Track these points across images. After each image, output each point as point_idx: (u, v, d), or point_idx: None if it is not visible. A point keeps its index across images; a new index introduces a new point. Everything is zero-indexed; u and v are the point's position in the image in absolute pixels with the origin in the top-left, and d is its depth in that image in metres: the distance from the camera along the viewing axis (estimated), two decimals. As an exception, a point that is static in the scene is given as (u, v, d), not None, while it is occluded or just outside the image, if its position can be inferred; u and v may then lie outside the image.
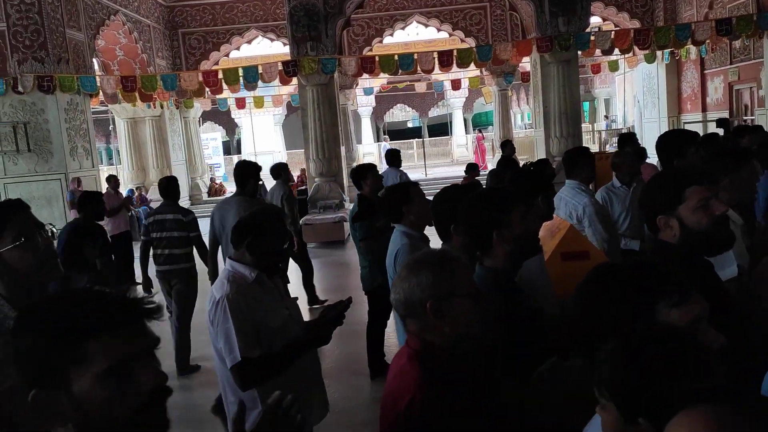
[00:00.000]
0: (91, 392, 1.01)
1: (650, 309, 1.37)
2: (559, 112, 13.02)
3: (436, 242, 3.07)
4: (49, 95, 11.82)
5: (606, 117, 27.63)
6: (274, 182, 7.94)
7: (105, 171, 18.11)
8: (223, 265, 2.72)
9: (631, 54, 15.77)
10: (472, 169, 9.78)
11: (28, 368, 1.03)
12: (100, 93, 13.43)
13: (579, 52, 13.33)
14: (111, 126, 24.74)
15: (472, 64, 13.40)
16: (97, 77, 13.03)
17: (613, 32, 13.43)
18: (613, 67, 18.89)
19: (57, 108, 12.05)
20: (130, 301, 1.06)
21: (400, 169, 9.24)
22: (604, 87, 29.51)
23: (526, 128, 32.38)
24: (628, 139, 6.98)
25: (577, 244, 3.55)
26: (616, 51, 13.67)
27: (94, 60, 14.37)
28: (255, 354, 2.34)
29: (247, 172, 5.53)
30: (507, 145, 10.54)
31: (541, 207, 2.93)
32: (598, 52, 13.95)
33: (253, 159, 22.47)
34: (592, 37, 13.01)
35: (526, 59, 15.03)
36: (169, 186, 5.92)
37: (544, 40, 12.57)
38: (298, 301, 2.72)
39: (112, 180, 10.36)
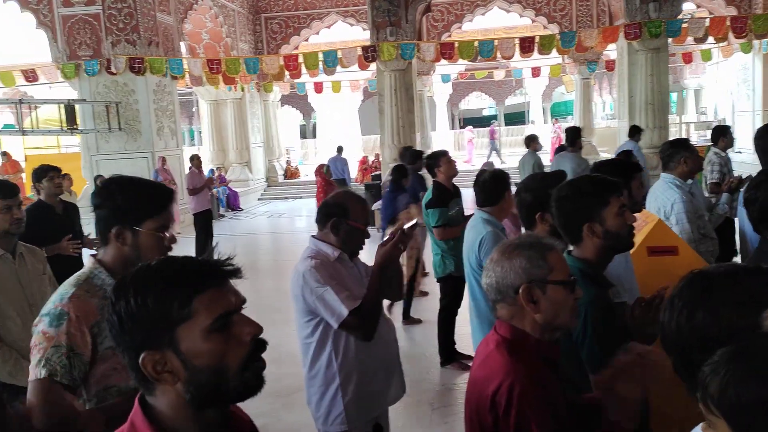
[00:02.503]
0: (200, 347, 1.07)
1: (758, 316, 1.27)
2: (645, 103, 12.48)
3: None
4: (139, 77, 12.35)
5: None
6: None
7: (187, 151, 18.82)
8: None
9: (726, 43, 14.93)
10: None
11: (135, 332, 1.08)
12: (186, 75, 13.92)
13: (669, 40, 12.72)
14: (194, 108, 25.68)
15: (554, 51, 13.04)
16: (184, 60, 13.50)
17: (707, 19, 12.74)
18: (706, 56, 17.95)
19: (146, 89, 12.58)
20: (216, 262, 1.13)
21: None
22: (695, 77, 28.10)
23: (608, 119, 31.33)
24: (721, 132, 6.62)
25: (665, 239, 3.40)
26: (710, 39, 12.97)
27: (181, 43, 14.89)
28: (357, 304, 2.36)
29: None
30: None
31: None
32: (689, 40, 13.27)
33: (329, 143, 22.71)
34: (685, 24, 12.38)
35: (611, 47, 14.50)
36: None
37: (632, 27, 12.06)
38: None
39: (195, 159, 10.74)
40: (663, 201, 3.98)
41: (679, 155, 4.02)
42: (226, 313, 1.10)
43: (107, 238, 1.90)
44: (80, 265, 4.85)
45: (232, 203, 16.82)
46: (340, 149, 16.86)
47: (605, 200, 2.07)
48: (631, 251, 3.17)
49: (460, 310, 5.27)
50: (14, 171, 14.67)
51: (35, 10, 12.59)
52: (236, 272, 1.15)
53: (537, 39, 12.76)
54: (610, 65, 18.27)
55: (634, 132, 9.95)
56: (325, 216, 2.53)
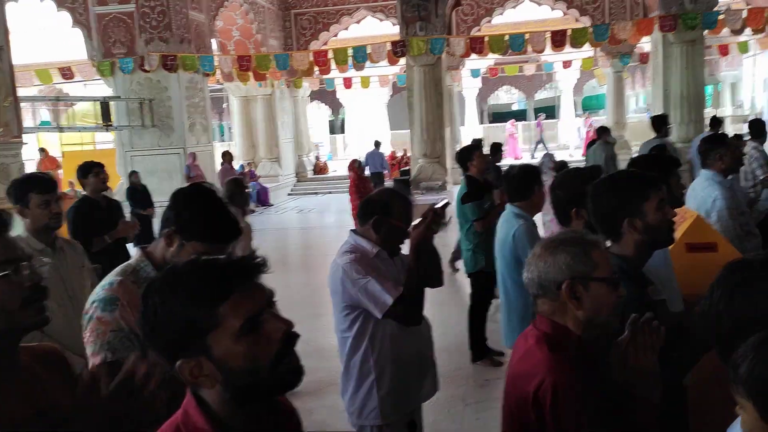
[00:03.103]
0: (232, 350, 1.09)
1: None
2: (680, 96, 12.25)
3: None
4: (172, 74, 12.52)
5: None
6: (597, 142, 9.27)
7: (218, 147, 19.03)
8: None
9: (763, 34, 14.55)
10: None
11: (167, 341, 1.10)
12: (217, 72, 14.07)
13: (705, 32, 12.45)
14: (225, 104, 25.93)
15: (587, 44, 12.87)
16: (215, 57, 13.64)
17: (744, 11, 12.44)
18: (743, 48, 17.55)
19: (179, 86, 12.75)
20: (240, 260, 1.14)
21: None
22: (731, 70, 27.45)
23: (641, 112, 30.78)
24: (760, 126, 6.46)
25: (704, 235, 3.33)
26: (747, 31, 12.65)
27: (212, 40, 15.06)
28: (399, 291, 2.34)
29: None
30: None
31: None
32: (725, 31, 12.96)
33: (358, 138, 22.78)
34: (721, 16, 12.11)
35: (645, 39, 14.24)
36: None
37: (667, 19, 11.84)
38: None
39: (227, 156, 10.86)
40: (703, 198, 3.88)
41: (716, 151, 3.93)
42: (255, 314, 1.10)
43: (161, 234, 1.93)
44: (128, 257, 5.01)
45: (262, 199, 16.97)
46: (377, 144, 16.94)
47: (646, 194, 2.03)
48: (670, 248, 3.13)
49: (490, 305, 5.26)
50: (52, 167, 15.01)
51: (71, 8, 12.84)
52: (262, 268, 1.14)
53: (569, 32, 12.61)
54: (643, 58, 17.97)
55: (661, 125, 8.64)
56: (367, 213, 2.52)
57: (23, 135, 8.54)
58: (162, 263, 1.90)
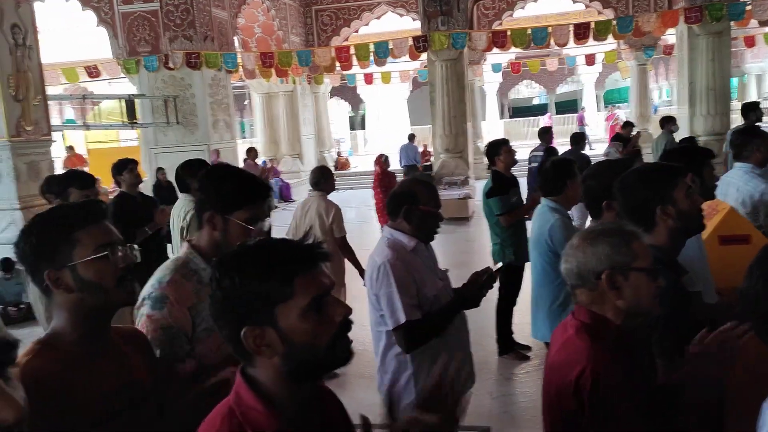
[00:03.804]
0: (298, 325, 1.15)
1: None
2: (706, 89, 12.09)
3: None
4: (195, 71, 12.63)
5: None
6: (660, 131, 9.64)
7: (240, 144, 19.15)
8: None
9: (792, 24, 14.27)
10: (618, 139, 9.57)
11: (237, 308, 1.15)
12: (240, 69, 14.16)
13: (732, 23, 12.25)
14: (246, 101, 26.11)
15: (610, 37, 12.74)
16: (238, 54, 13.74)
17: (773, 0, 12.21)
18: (770, 39, 17.21)
19: (202, 83, 12.86)
20: (311, 246, 1.20)
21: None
22: (756, 61, 26.98)
23: (665, 105, 30.40)
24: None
25: (737, 227, 3.31)
26: (775, 21, 12.43)
27: (235, 38, 15.16)
28: (417, 316, 2.40)
29: None
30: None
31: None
32: (752, 22, 12.75)
33: (378, 134, 22.71)
34: (748, 7, 11.90)
35: (670, 31, 14.05)
36: None
37: (693, 11, 11.67)
38: (448, 273, 2.74)
39: (252, 152, 10.95)
40: (748, 191, 3.81)
41: (752, 143, 3.88)
42: (321, 294, 1.17)
43: (202, 222, 1.97)
44: (165, 252, 5.12)
45: (285, 194, 17.06)
46: (411, 137, 16.95)
47: (674, 182, 2.07)
48: (704, 239, 3.11)
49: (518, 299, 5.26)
50: (80, 164, 15.24)
51: (96, 7, 12.99)
52: (327, 256, 1.21)
53: (592, 25, 12.49)
54: (668, 50, 17.73)
55: (665, 123, 10.17)
56: (396, 206, 2.56)
57: (51, 133, 8.71)
58: (209, 252, 1.93)
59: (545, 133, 9.40)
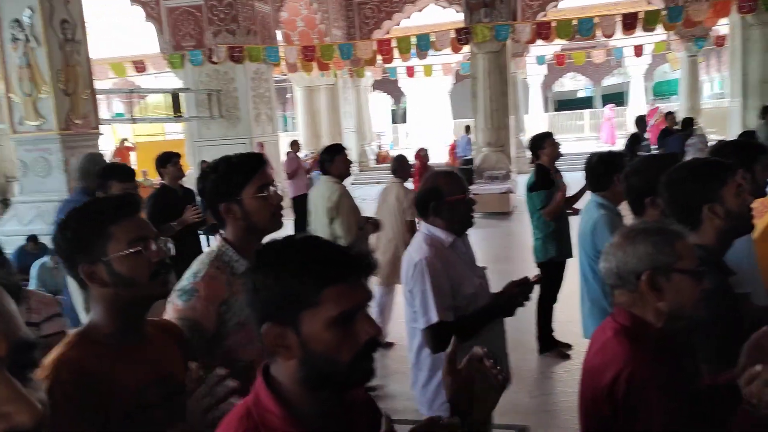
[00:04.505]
0: (319, 335, 1.10)
1: None
2: (760, 81, 11.65)
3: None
4: (238, 65, 12.79)
5: None
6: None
7: (283, 137, 19.34)
8: None
9: None
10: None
11: (265, 304, 1.12)
12: (282, 63, 14.27)
13: (789, 12, 11.76)
14: (288, 95, 26.33)
15: (659, 27, 12.36)
16: (280, 48, 13.84)
17: (834, -13, 11.66)
18: (830, 28, 16.44)
19: (245, 77, 13.01)
20: (354, 257, 1.15)
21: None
22: (815, 52, 25.79)
23: (716, 98, 29.42)
24: None
25: (791, 226, 3.15)
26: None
27: (277, 31, 15.28)
28: (449, 318, 2.37)
29: None
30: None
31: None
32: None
33: (419, 128, 22.66)
34: (806, -5, 11.40)
35: (722, 21, 13.57)
36: None
37: (746, 0, 11.23)
38: (486, 271, 2.69)
39: (295, 144, 11.03)
40: None
41: None
42: (353, 309, 1.12)
43: (221, 218, 1.98)
44: (199, 243, 5.19)
45: (325, 188, 17.14)
46: (468, 129, 16.85)
47: (723, 179, 1.97)
48: (754, 239, 2.97)
49: (559, 296, 5.16)
50: (128, 156, 15.57)
51: (144, 3, 13.27)
52: (372, 269, 1.16)
53: (641, 15, 12.13)
54: (720, 41, 17.12)
55: (687, 125, 10.08)
56: (423, 206, 2.53)
57: (100, 126, 8.92)
58: (240, 243, 1.96)
59: (641, 122, 9.81)
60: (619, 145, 18.99)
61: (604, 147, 17.30)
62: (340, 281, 1.10)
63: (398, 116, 33.61)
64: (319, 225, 4.96)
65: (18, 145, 8.18)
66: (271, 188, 1.98)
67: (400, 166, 5.88)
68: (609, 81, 32.64)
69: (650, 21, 12.08)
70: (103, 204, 1.56)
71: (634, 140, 9.22)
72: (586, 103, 32.51)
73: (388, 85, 28.56)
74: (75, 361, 1.41)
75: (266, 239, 1.22)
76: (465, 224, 2.55)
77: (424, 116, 26.31)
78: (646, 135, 10.96)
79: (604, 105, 28.50)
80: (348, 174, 5.14)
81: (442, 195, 2.48)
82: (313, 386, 1.13)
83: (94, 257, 1.47)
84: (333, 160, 4.97)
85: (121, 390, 1.43)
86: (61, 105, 7.86)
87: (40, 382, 0.67)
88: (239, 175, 1.95)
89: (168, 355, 1.58)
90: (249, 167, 1.97)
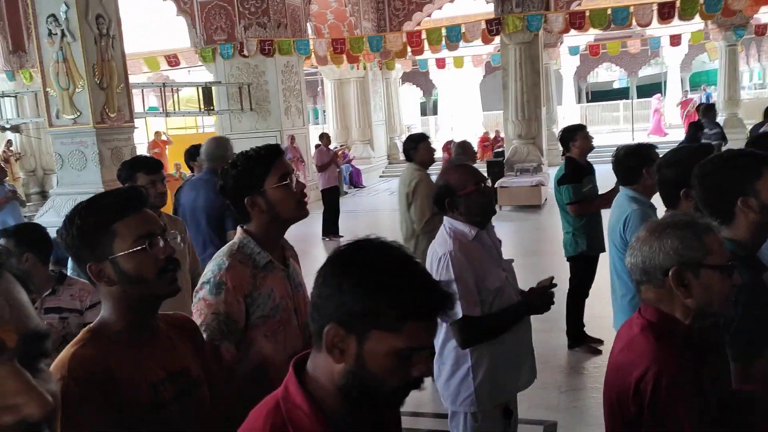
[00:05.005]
0: (381, 357, 1.09)
1: None
2: (802, 70, 11.27)
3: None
4: (269, 58, 12.86)
5: None
6: None
7: (312, 130, 19.40)
8: None
9: None
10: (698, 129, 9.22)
11: (342, 306, 1.09)
12: (312, 56, 14.31)
13: (834, -1, 11.35)
14: (319, 87, 26.40)
15: (697, 17, 12.03)
16: (310, 40, 13.87)
17: None
18: None
19: (275, 70, 13.09)
20: (445, 294, 1.11)
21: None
22: None
23: (756, 88, 28.61)
24: None
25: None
26: None
27: (307, 24, 15.32)
28: (476, 312, 2.35)
29: None
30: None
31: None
32: None
33: (449, 119, 22.51)
34: None
35: (763, 9, 13.17)
36: None
37: (789, -14, 10.88)
38: (515, 265, 2.66)
39: (325, 137, 11.06)
40: None
41: None
42: (420, 348, 1.09)
43: (246, 212, 1.98)
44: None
45: (355, 180, 17.19)
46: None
47: (759, 172, 1.90)
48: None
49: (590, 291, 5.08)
50: (163, 149, 15.77)
51: (176, -2, 13.44)
52: (446, 309, 1.11)
53: (678, 3, 11.83)
54: (760, 30, 16.63)
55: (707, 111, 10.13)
56: (441, 203, 2.53)
57: (134, 120, 9.07)
58: (263, 236, 1.97)
59: (709, 110, 9.83)
60: (672, 136, 18.62)
61: (652, 139, 16.92)
62: (424, 319, 1.08)
63: (429, 108, 33.46)
64: (400, 210, 5.04)
65: (55, 139, 8.38)
66: (292, 176, 1.99)
67: (462, 153, 6.27)
68: (645, 71, 31.94)
69: (687, 10, 11.77)
70: (108, 199, 1.51)
71: (698, 128, 9.06)
72: (622, 94, 31.87)
73: (418, 77, 28.45)
74: (88, 358, 1.39)
75: (344, 241, 1.16)
76: (485, 215, 2.52)
77: (455, 108, 26.12)
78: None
79: (639, 96, 27.94)
80: (431, 161, 5.09)
81: (454, 190, 2.47)
82: (348, 394, 1.11)
83: (101, 256, 1.45)
84: (416, 148, 4.99)
85: (134, 387, 1.41)
86: (96, 99, 8.00)
87: (51, 374, 0.66)
88: (259, 167, 1.95)
89: (181, 351, 1.56)
90: (267, 158, 1.97)
